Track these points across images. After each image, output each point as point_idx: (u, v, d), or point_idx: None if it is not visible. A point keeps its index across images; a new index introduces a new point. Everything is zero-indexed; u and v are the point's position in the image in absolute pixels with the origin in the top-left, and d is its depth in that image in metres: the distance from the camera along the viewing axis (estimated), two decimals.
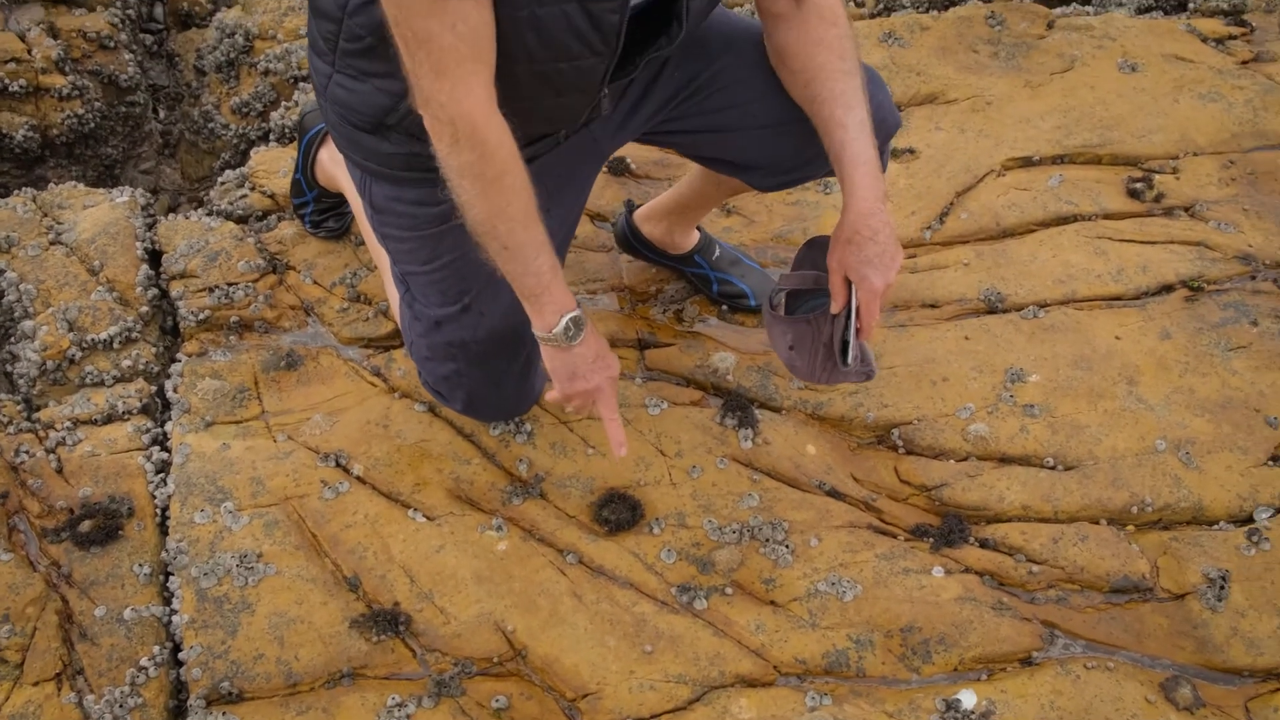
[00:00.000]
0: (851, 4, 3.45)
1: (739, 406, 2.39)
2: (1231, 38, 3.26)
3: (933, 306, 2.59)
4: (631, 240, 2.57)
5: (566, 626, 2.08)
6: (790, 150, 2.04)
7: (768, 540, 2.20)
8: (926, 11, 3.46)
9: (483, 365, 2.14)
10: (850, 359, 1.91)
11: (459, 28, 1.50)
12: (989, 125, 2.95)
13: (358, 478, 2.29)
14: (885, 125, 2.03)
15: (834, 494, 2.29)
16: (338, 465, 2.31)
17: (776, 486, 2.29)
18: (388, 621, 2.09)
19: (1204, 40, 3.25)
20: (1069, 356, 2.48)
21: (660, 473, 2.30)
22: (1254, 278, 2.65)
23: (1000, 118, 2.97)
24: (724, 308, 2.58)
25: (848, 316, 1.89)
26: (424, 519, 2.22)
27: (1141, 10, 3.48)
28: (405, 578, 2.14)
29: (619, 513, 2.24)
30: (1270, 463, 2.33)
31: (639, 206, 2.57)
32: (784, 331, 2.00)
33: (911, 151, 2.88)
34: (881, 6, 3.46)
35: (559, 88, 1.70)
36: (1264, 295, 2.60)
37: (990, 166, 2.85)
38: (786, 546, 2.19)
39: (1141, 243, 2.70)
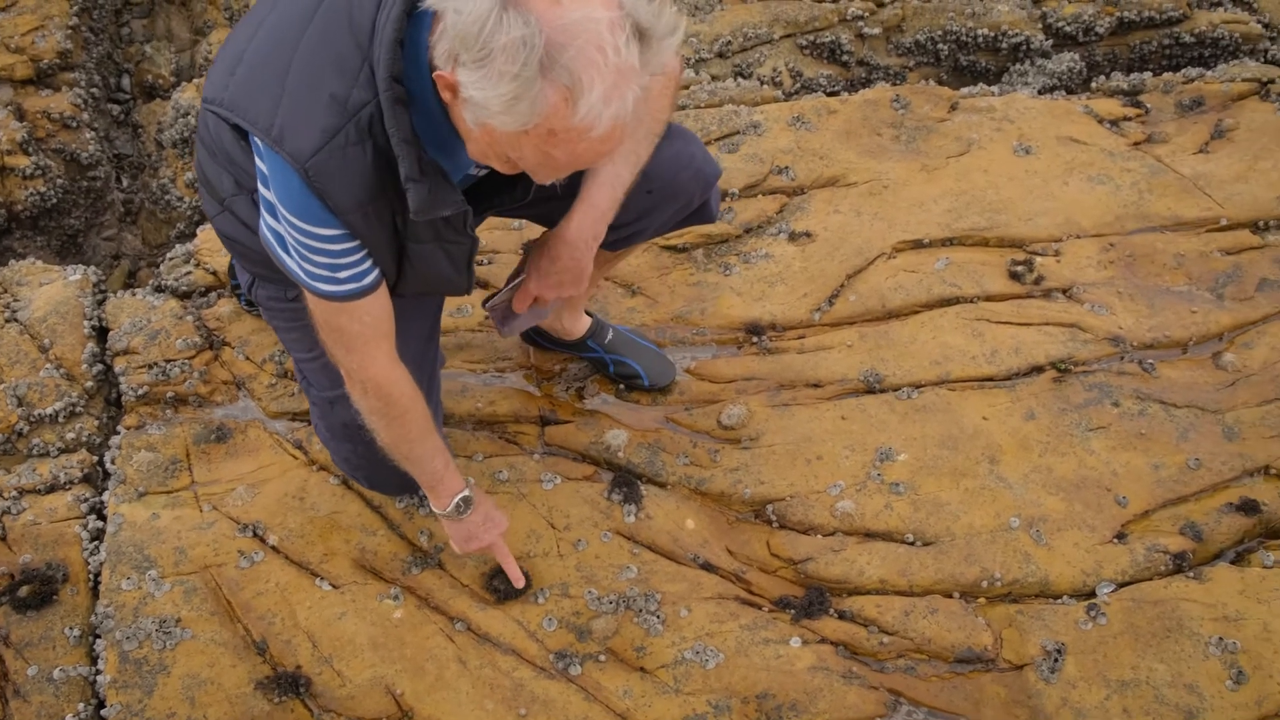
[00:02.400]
0: (770, 85, 3.64)
1: (626, 483, 2.60)
2: (1127, 119, 3.44)
3: (816, 386, 2.78)
4: (531, 332, 2.79)
5: (450, 690, 2.30)
6: (621, 210, 2.20)
7: (641, 610, 2.41)
8: (837, 94, 3.66)
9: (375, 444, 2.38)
10: (504, 327, 2.35)
11: (364, 319, 1.92)
12: (884, 209, 3.14)
13: (272, 547, 2.51)
14: (702, 175, 2.30)
15: (707, 567, 2.49)
16: (255, 535, 2.52)
17: (654, 559, 2.49)
18: (289, 684, 2.31)
19: (1100, 121, 3.43)
20: (937, 436, 2.67)
21: (549, 545, 2.51)
22: (1121, 358, 2.83)
23: (895, 201, 3.16)
24: (621, 386, 2.79)
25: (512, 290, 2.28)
26: (330, 587, 2.44)
27: (1045, 90, 3.66)
28: (308, 643, 2.36)
29: (508, 583, 2.44)
30: (1115, 540, 2.51)
31: None
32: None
33: (808, 235, 3.08)
34: (799, 86, 3.65)
35: (439, 277, 2.06)
36: (1128, 376, 2.79)
37: (881, 249, 3.04)
38: (658, 616, 2.40)
39: (1018, 325, 2.88)
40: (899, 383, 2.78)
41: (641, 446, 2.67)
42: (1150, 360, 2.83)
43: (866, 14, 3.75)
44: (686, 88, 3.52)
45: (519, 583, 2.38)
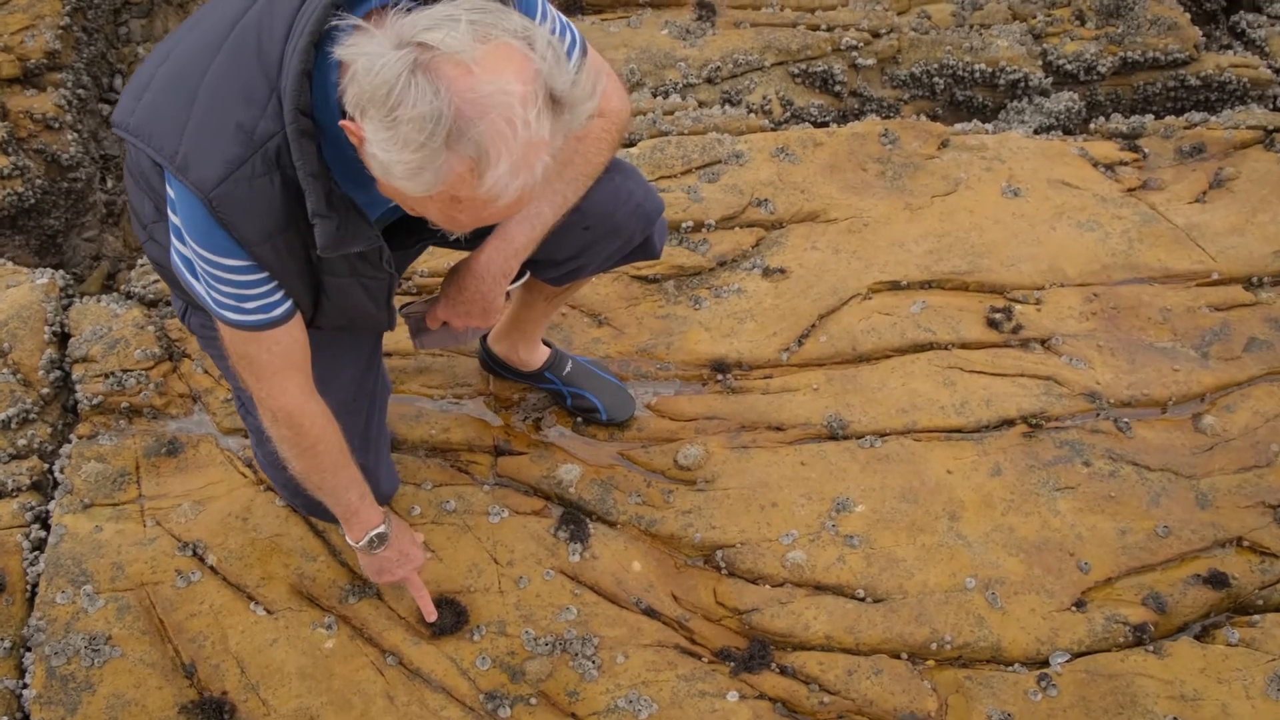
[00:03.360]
0: (758, 113, 3.58)
1: (574, 520, 2.55)
2: (1123, 163, 3.35)
3: (777, 429, 2.72)
4: (489, 361, 2.74)
5: None
6: (559, 245, 2.19)
7: (577, 654, 2.35)
8: (826, 125, 3.60)
9: None
10: (416, 338, 2.32)
11: (273, 349, 1.89)
12: (863, 247, 3.07)
13: (211, 567, 2.47)
14: (642, 211, 2.26)
15: (650, 612, 2.44)
16: (194, 554, 2.49)
17: (596, 601, 2.44)
18: (213, 710, 2.27)
19: (1094, 165, 3.34)
20: (898, 488, 2.60)
21: (490, 580, 2.46)
22: (1096, 415, 2.75)
23: (875, 240, 3.09)
24: (578, 420, 2.74)
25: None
26: (264, 612, 2.40)
27: (1042, 129, 3.58)
28: (237, 668, 2.32)
29: (444, 617, 2.40)
30: (1074, 608, 2.43)
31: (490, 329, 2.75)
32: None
33: (783, 271, 3.02)
34: (789, 115, 3.59)
35: (355, 323, 2.07)
36: (1101, 435, 2.71)
37: (857, 290, 2.98)
38: (594, 661, 2.34)
39: (991, 375, 2.81)
40: (863, 430, 2.71)
41: (594, 483, 2.62)
42: (1126, 419, 2.74)
43: (861, 44, 3.68)
44: (671, 113, 3.47)
45: (430, 617, 2.35)
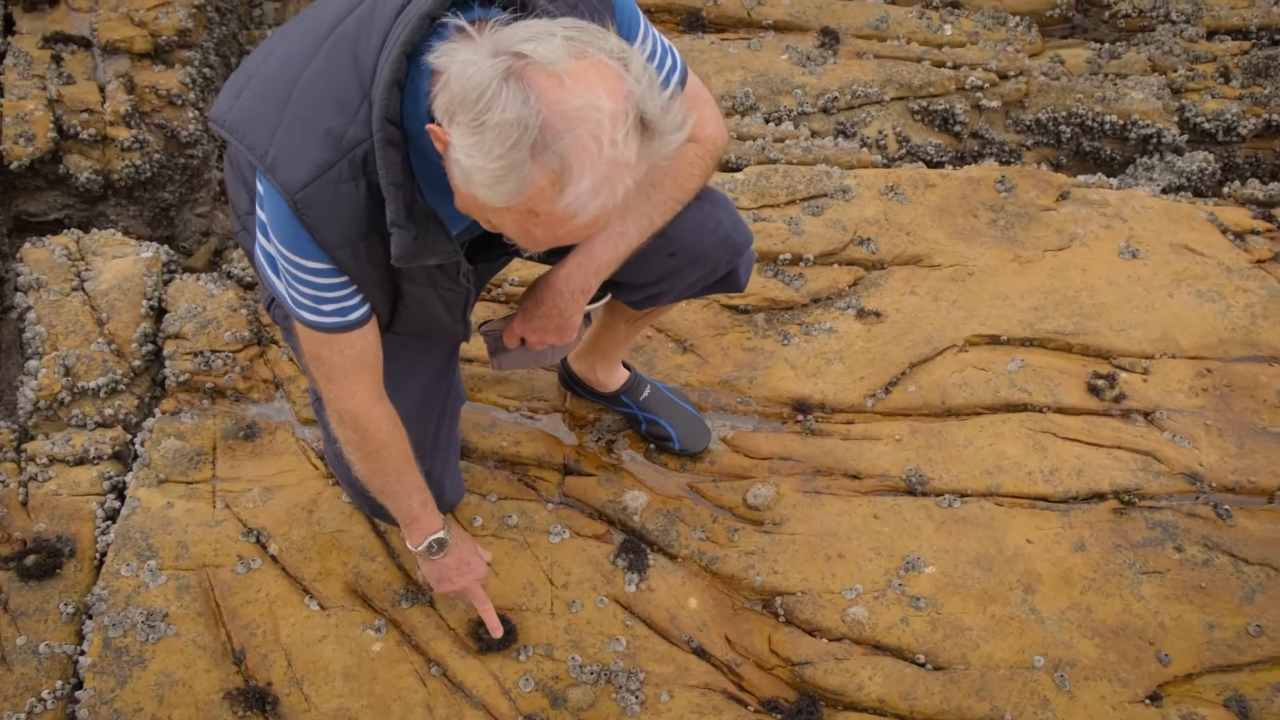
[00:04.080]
0: (872, 148, 3.48)
1: (634, 549, 2.50)
2: (1254, 232, 3.16)
3: (854, 478, 2.63)
4: (567, 378, 2.72)
5: None
6: (643, 269, 2.16)
7: (621, 687, 2.31)
8: (942, 165, 3.48)
9: None
10: (495, 358, 2.30)
11: (346, 352, 1.90)
12: (965, 297, 2.96)
13: (272, 556, 2.49)
14: (730, 242, 2.21)
15: (700, 652, 2.38)
16: (257, 541, 2.51)
17: (647, 635, 2.39)
18: (256, 699, 2.28)
19: (1223, 231, 3.16)
20: (973, 553, 2.49)
21: (544, 600, 2.43)
22: (1196, 499, 2.60)
23: (979, 290, 2.97)
24: (651, 446, 2.69)
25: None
26: (317, 607, 2.41)
27: (1170, 189, 3.40)
28: (284, 660, 2.33)
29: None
30: (1148, 701, 2.30)
31: None
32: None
33: (878, 314, 2.92)
34: (904, 152, 3.48)
35: (431, 331, 2.09)
36: (1198, 520, 2.55)
37: (953, 340, 2.86)
38: (637, 697, 2.29)
39: (1086, 444, 2.68)
40: (943, 488, 2.60)
41: (659, 513, 2.57)
42: (1228, 505, 2.59)
43: (987, 85, 3.54)
44: (781, 141, 3.39)
45: (496, 632, 2.32)
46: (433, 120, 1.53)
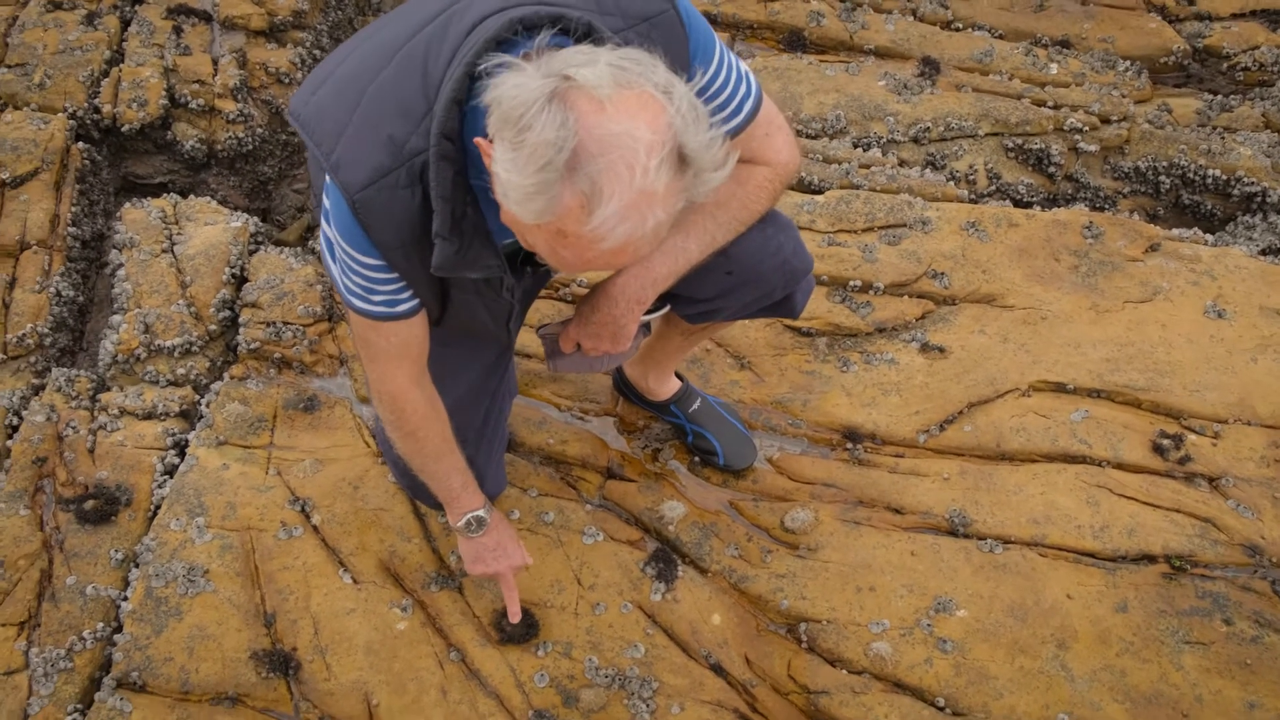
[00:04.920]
0: (960, 182, 3.41)
1: (665, 559, 2.50)
2: None
3: (896, 511, 2.59)
4: (620, 383, 2.74)
5: (422, 717, 2.28)
6: (700, 284, 2.17)
7: (634, 694, 2.31)
8: (1030, 206, 3.39)
9: None
10: (550, 360, 2.34)
11: (390, 339, 1.98)
12: (1034, 340, 2.89)
13: (314, 526, 2.56)
14: (789, 268, 2.21)
15: (717, 669, 2.37)
16: (302, 510, 2.59)
17: (667, 645, 2.39)
18: (280, 663, 2.35)
19: None
20: (1008, 601, 2.43)
21: (569, 599, 2.45)
22: (1253, 572, 2.49)
23: (1050, 335, 2.90)
24: (695, 459, 2.69)
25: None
26: (350, 580, 2.47)
27: (1269, 251, 3.26)
28: (311, 628, 2.39)
29: (517, 626, 2.40)
30: None
31: None
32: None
33: (942, 350, 2.87)
34: (994, 189, 3.41)
35: (479, 326, 2.12)
36: (1252, 595, 2.45)
37: (1017, 384, 2.79)
38: (648, 705, 2.29)
39: (1142, 503, 2.59)
40: (986, 532, 2.55)
41: (696, 526, 2.56)
42: None
43: (1087, 128, 3.44)
44: (867, 167, 3.36)
45: (515, 618, 2.36)
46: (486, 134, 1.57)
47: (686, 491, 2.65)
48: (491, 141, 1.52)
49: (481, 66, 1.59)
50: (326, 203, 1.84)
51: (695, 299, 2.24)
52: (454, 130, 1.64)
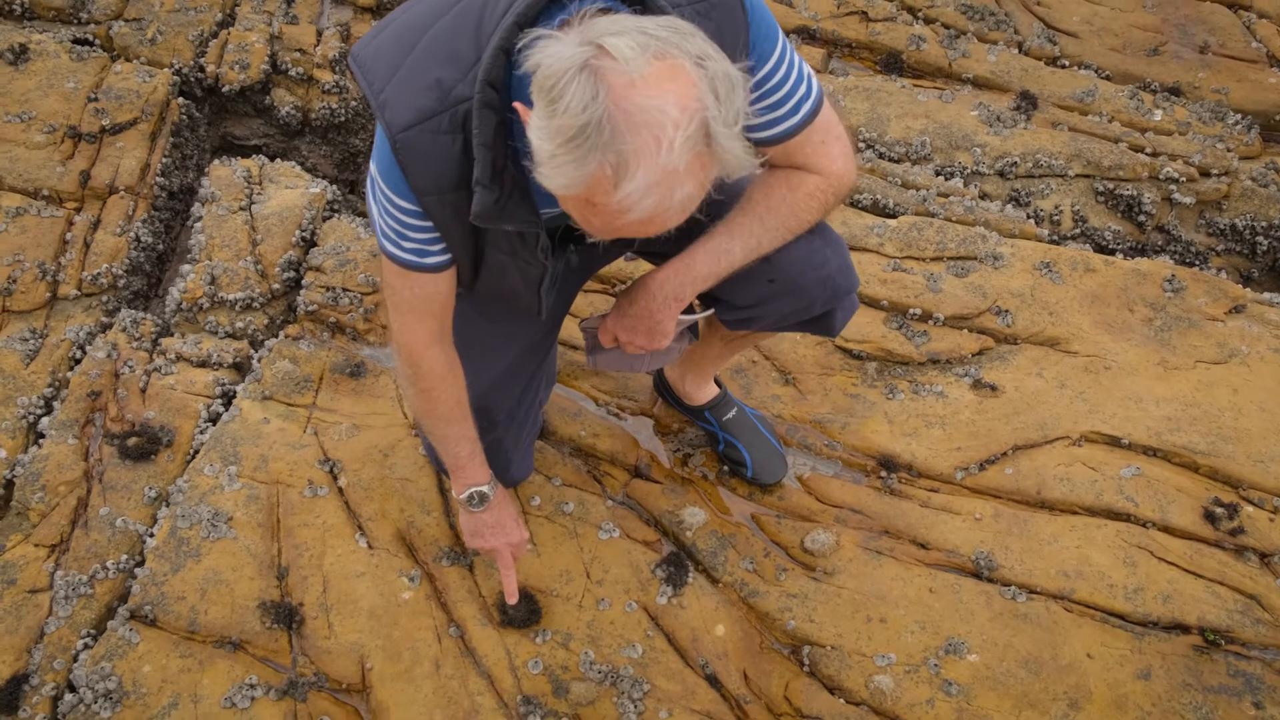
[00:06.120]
0: (1044, 221, 3.29)
1: (677, 563, 2.47)
2: None
3: (921, 546, 2.51)
4: (659, 384, 2.72)
5: (412, 687, 2.29)
6: (740, 289, 2.13)
7: (624, 693, 2.29)
8: (1113, 253, 3.25)
9: None
10: (590, 355, 2.34)
11: (415, 290, 1.97)
12: (1094, 390, 2.77)
13: (339, 488, 2.60)
14: (831, 284, 2.16)
15: (712, 679, 2.33)
16: (330, 472, 2.63)
17: (665, 649, 2.36)
18: (285, 615, 2.39)
19: None
20: (1024, 652, 2.33)
21: (575, 591, 2.44)
22: None
23: (1111, 386, 2.78)
24: (724, 468, 2.65)
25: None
26: (365, 545, 2.50)
27: None
28: (320, 586, 2.43)
29: (519, 609, 2.40)
30: None
31: None
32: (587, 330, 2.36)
33: (994, 388, 2.77)
34: (1079, 232, 3.28)
35: (509, 300, 2.09)
36: None
37: (1068, 432, 2.69)
38: (637, 707, 2.27)
39: (1183, 570, 2.46)
40: (1012, 578, 2.45)
41: (714, 534, 2.53)
42: None
43: (1184, 179, 3.29)
44: (946, 196, 3.27)
45: (511, 598, 2.32)
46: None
47: (710, 500, 2.62)
48: (529, 107, 1.52)
49: (522, 42, 1.58)
50: (377, 141, 1.84)
51: (734, 304, 2.20)
52: (499, 80, 1.64)
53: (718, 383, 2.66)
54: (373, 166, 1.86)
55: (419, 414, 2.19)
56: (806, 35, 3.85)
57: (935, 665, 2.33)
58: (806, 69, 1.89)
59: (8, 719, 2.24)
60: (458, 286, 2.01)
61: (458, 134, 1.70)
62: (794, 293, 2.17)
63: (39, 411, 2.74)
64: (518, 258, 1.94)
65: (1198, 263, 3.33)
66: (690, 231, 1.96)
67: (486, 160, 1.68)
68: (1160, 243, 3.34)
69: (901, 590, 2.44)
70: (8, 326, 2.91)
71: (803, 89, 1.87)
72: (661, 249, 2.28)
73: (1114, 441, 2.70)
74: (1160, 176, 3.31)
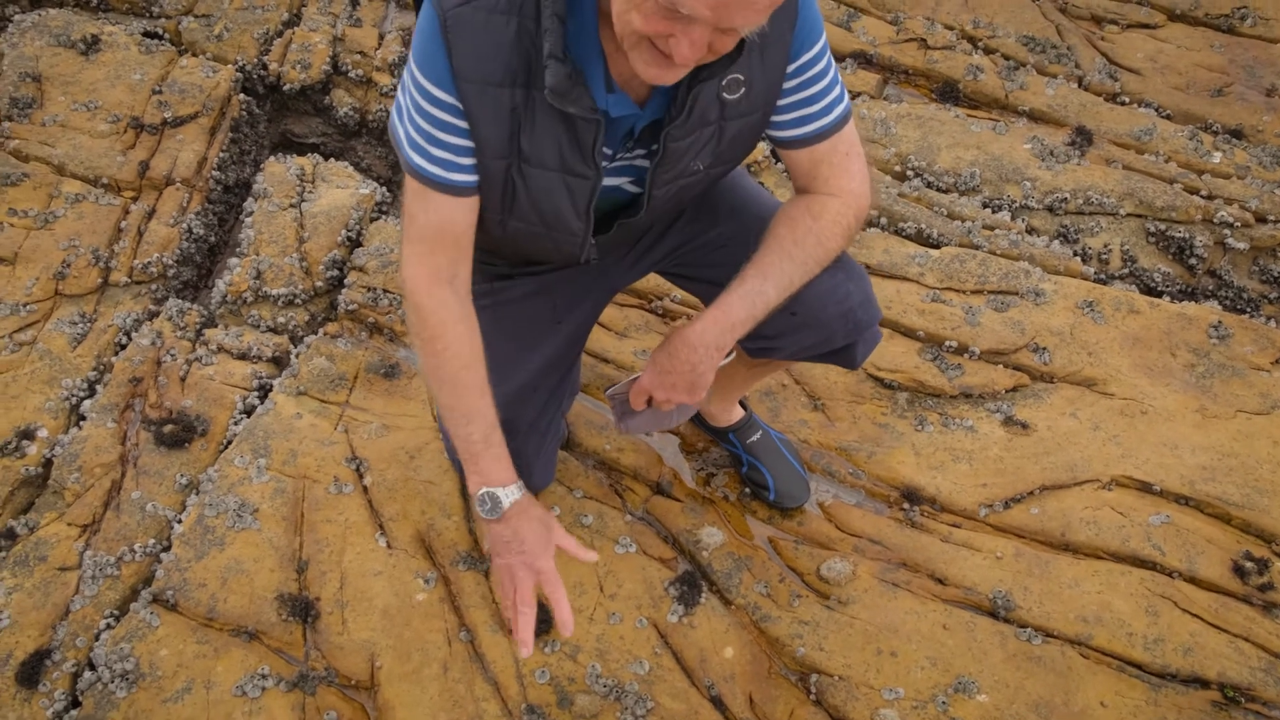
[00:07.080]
0: (1092, 259, 3.24)
1: (691, 583, 2.47)
2: None
3: (938, 581, 2.48)
4: None
5: (419, 688, 2.31)
6: (763, 321, 2.07)
7: (627, 709, 2.29)
8: (1160, 295, 3.19)
9: None
10: (621, 422, 2.29)
11: (430, 213, 1.84)
12: (1128, 434, 2.72)
13: (364, 487, 2.64)
14: (853, 317, 2.14)
15: (717, 701, 2.32)
16: (357, 470, 2.67)
17: (672, 668, 2.36)
18: (301, 609, 2.43)
19: None
20: (1035, 696, 2.30)
21: (588, 604, 2.45)
22: None
23: (1146, 432, 2.73)
24: (746, 490, 2.64)
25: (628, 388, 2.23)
26: (384, 544, 2.53)
27: None
28: (338, 582, 2.47)
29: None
30: None
31: None
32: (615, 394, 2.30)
33: (1025, 426, 2.74)
34: (1126, 272, 3.22)
35: (549, 234, 1.96)
36: None
37: (1099, 475, 2.64)
38: None
39: (1207, 623, 2.40)
40: (1028, 620, 2.41)
41: (730, 556, 2.52)
42: None
43: (1239, 223, 3.22)
44: (991, 229, 3.24)
45: (525, 649, 1.92)
46: None
47: (729, 521, 2.61)
48: None
49: None
50: (412, 45, 1.77)
51: (756, 334, 2.14)
52: None
53: (743, 405, 2.66)
54: (410, 64, 1.77)
55: (427, 376, 1.97)
56: (863, 60, 3.84)
57: (944, 703, 2.30)
58: (840, 79, 1.90)
59: (27, 692, 2.31)
60: (483, 255, 1.98)
61: (512, 17, 1.67)
62: (815, 326, 2.15)
63: (82, 394, 2.82)
64: (566, 170, 1.83)
65: (1248, 310, 3.26)
66: (719, 152, 1.91)
67: (559, 32, 1.65)
68: (1211, 287, 3.28)
69: (915, 624, 2.42)
70: (59, 309, 3.00)
71: (836, 91, 1.88)
72: (690, 270, 2.29)
73: (1145, 487, 2.65)
74: (1215, 220, 3.25)
